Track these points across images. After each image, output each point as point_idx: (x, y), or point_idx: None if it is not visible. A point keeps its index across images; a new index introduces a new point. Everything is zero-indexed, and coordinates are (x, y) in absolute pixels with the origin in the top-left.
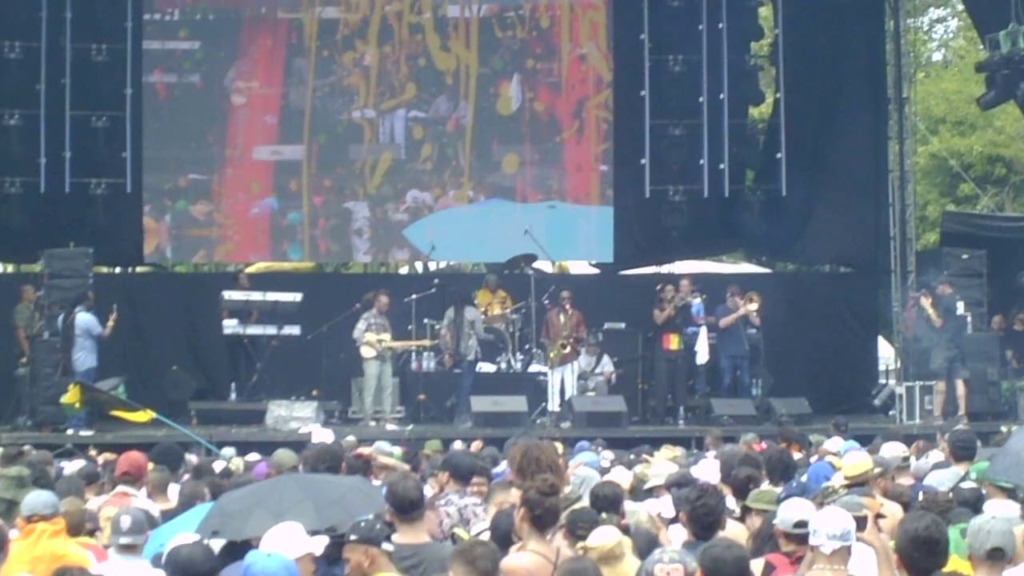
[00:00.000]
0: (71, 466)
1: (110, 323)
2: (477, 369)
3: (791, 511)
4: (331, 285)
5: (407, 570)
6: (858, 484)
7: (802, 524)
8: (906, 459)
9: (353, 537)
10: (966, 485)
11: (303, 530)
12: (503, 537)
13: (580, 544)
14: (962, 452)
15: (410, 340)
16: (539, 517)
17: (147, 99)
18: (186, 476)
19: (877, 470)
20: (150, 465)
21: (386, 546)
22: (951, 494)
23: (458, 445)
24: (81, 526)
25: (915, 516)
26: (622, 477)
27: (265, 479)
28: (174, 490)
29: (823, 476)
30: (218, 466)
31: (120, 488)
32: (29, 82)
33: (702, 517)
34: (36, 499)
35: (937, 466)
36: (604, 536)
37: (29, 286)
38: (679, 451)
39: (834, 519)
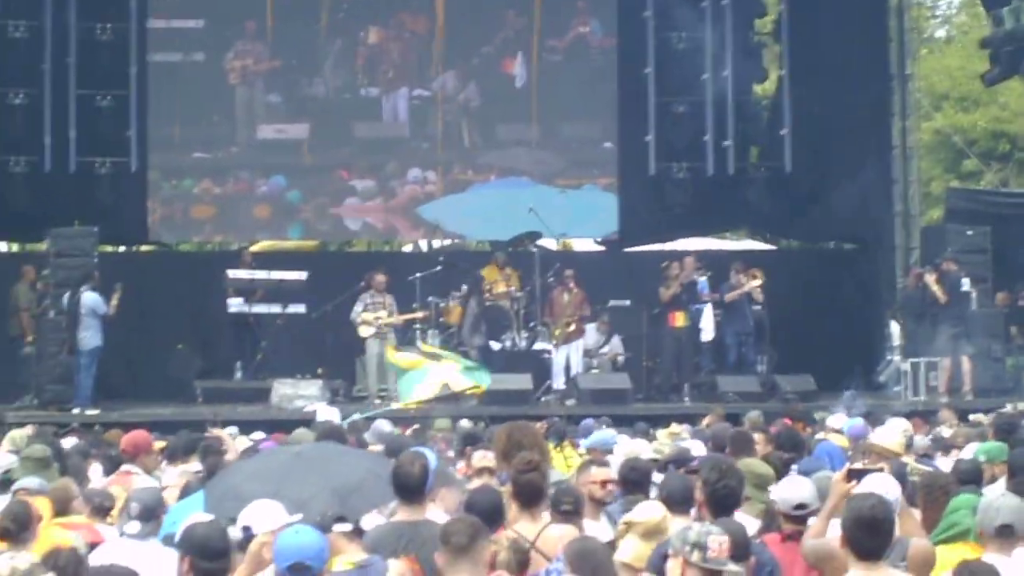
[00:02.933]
0: (66, 443)
1: (114, 302)
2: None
3: (790, 492)
4: (335, 263)
5: (403, 547)
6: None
7: (802, 506)
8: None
9: None
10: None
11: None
12: (481, 514)
13: (625, 519)
14: (1005, 433)
15: (405, 315)
16: (521, 494)
17: (152, 78)
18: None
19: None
20: (157, 444)
21: (339, 527)
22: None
23: (464, 423)
24: (66, 505)
25: (861, 496)
26: (643, 449)
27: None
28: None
29: (828, 454)
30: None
31: (124, 467)
32: (34, 62)
33: (723, 499)
34: (26, 483)
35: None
36: (649, 511)
37: (29, 266)
38: (684, 429)
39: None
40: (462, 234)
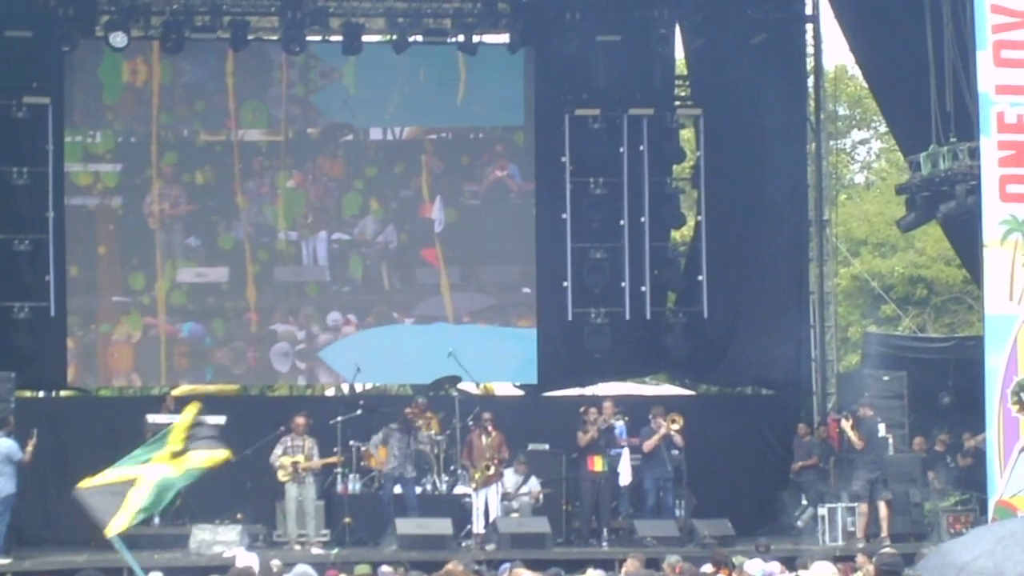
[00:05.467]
0: None
1: (29, 448)
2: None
3: None
4: (256, 408)
5: None
6: None
7: None
8: None
9: None
10: None
11: None
12: None
13: None
14: (889, 574)
15: (322, 459)
16: None
17: (70, 222)
18: None
19: None
20: None
21: None
22: None
23: (385, 569)
24: None
25: None
26: None
27: None
28: None
29: None
30: None
31: None
32: None
33: None
34: None
35: None
36: None
37: None
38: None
39: None
40: (383, 378)
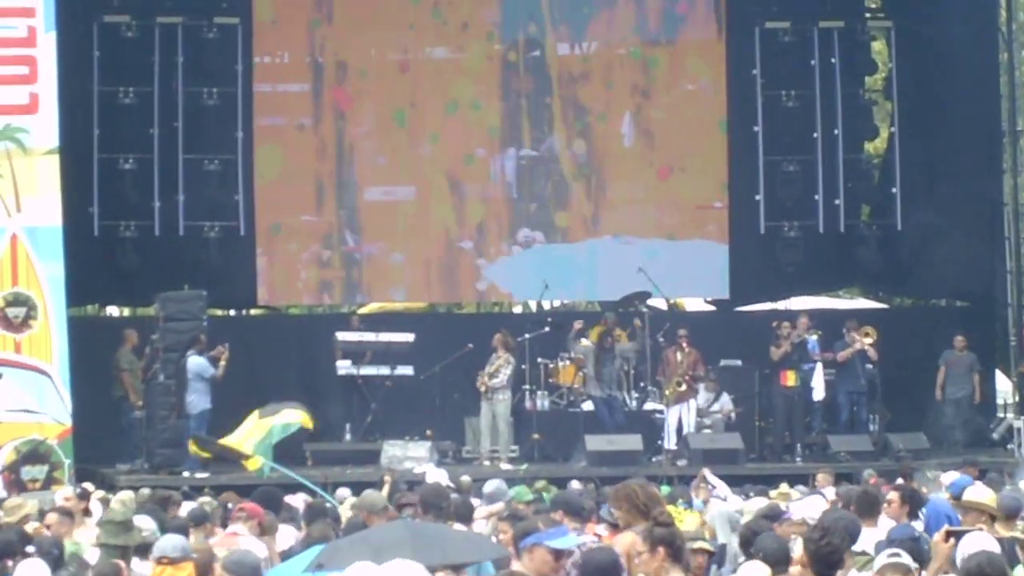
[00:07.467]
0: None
1: (222, 363)
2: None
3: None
4: (443, 325)
5: None
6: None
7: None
8: None
9: None
10: None
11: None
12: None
13: None
14: None
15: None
16: (671, 546)
17: (259, 141)
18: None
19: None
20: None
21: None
22: None
23: (575, 484)
24: (209, 567)
25: (974, 554)
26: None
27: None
28: (283, 533)
29: (942, 513)
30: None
31: (232, 528)
32: (143, 126)
33: (827, 556)
34: (167, 542)
35: None
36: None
37: (131, 330)
38: (793, 491)
39: None
40: (571, 295)
